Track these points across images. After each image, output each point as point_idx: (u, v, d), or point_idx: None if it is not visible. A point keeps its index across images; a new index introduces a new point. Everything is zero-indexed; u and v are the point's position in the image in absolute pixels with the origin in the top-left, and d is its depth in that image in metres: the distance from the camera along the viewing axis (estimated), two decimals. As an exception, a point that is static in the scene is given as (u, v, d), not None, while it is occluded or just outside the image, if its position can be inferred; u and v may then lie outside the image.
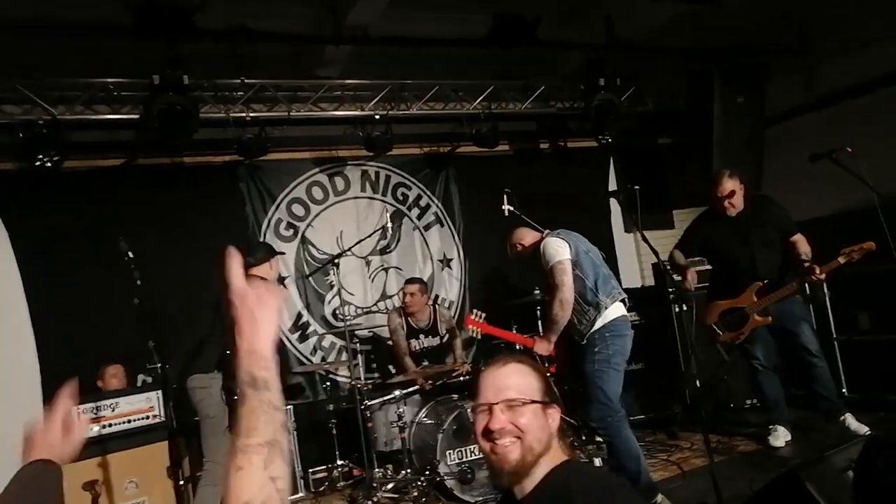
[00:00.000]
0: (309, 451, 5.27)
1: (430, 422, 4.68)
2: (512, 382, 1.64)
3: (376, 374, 5.89)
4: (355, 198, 6.30)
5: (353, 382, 4.88)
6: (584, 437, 4.75)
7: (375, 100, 5.64)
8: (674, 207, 7.21)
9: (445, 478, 4.28)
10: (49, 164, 4.44)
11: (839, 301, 5.54)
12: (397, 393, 4.90)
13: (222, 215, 5.63)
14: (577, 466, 1.74)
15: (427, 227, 6.56)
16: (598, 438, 4.41)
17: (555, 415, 1.66)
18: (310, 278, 5.94)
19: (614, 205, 7.16)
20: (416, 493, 4.45)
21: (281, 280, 4.73)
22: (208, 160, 5.64)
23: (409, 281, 5.67)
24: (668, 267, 4.52)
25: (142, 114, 4.67)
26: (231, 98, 5.23)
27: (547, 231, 4.20)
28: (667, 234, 6.94)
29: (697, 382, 4.06)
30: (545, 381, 1.70)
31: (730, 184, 4.57)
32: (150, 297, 3.83)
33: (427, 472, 4.48)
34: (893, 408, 4.92)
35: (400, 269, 6.34)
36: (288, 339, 5.84)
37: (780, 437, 4.65)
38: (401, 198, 6.48)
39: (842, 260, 4.14)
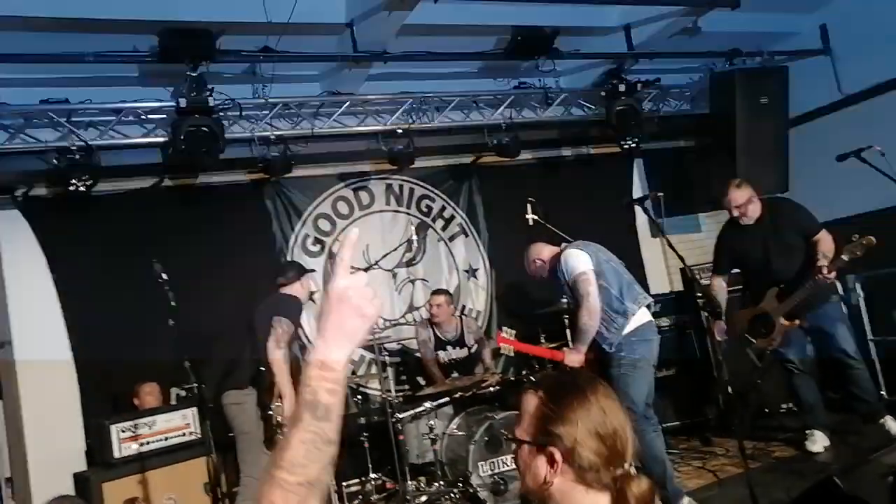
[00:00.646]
0: (342, 465, 5.27)
1: (461, 433, 4.69)
2: (521, 413, 1.47)
3: (406, 387, 5.90)
4: (380, 211, 6.34)
5: (384, 395, 4.91)
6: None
7: (397, 113, 5.69)
8: (699, 211, 7.14)
9: (478, 489, 4.28)
10: (83, 189, 4.54)
11: (873, 302, 5.43)
12: (428, 405, 4.90)
13: (250, 233, 5.71)
14: None
15: (452, 238, 6.58)
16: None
17: (552, 458, 1.35)
18: (337, 293, 5.97)
19: (639, 210, 7.12)
20: (449, 505, 4.46)
21: (311, 296, 4.78)
22: (235, 179, 5.73)
23: (436, 292, 5.69)
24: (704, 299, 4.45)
25: (169, 136, 4.77)
26: (255, 116, 5.31)
27: (564, 244, 4.19)
28: (692, 238, 6.89)
29: (729, 389, 4.02)
30: (546, 416, 1.40)
31: (738, 194, 4.49)
32: (184, 317, 3.91)
33: (460, 484, 4.48)
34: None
35: (426, 281, 6.35)
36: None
37: (818, 441, 4.55)
38: (425, 210, 6.52)
39: (845, 257, 4.06)
